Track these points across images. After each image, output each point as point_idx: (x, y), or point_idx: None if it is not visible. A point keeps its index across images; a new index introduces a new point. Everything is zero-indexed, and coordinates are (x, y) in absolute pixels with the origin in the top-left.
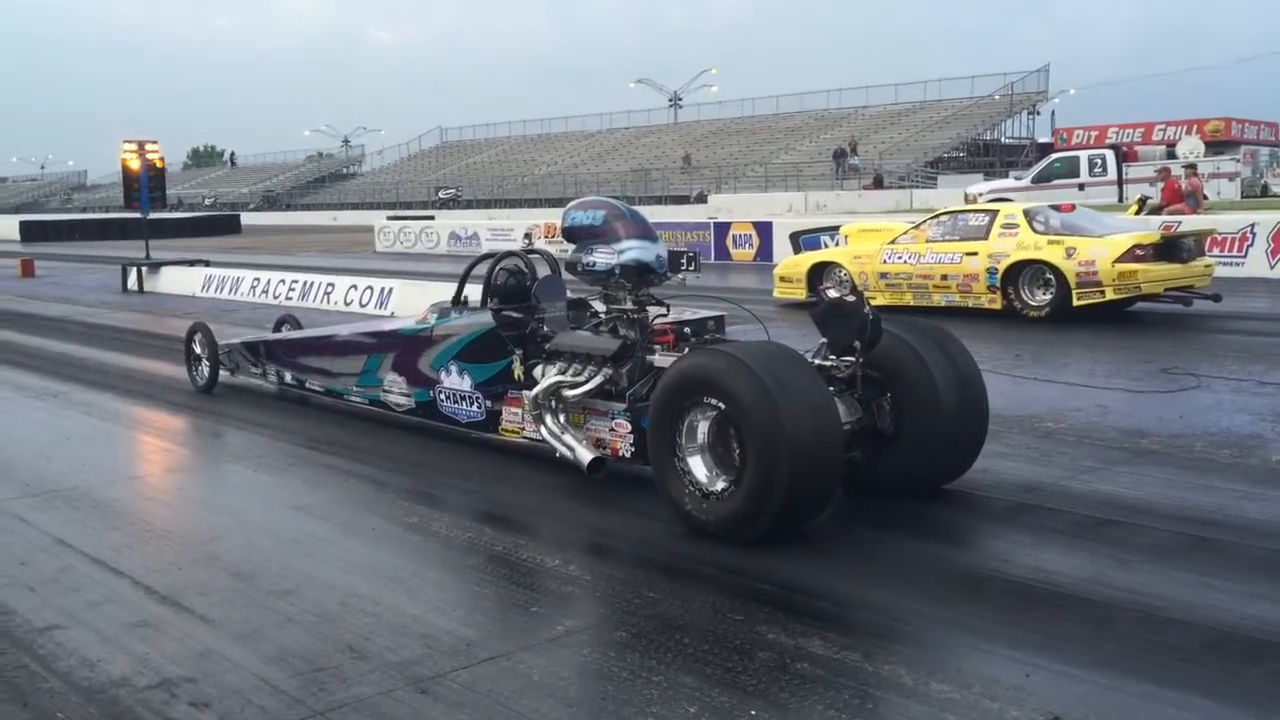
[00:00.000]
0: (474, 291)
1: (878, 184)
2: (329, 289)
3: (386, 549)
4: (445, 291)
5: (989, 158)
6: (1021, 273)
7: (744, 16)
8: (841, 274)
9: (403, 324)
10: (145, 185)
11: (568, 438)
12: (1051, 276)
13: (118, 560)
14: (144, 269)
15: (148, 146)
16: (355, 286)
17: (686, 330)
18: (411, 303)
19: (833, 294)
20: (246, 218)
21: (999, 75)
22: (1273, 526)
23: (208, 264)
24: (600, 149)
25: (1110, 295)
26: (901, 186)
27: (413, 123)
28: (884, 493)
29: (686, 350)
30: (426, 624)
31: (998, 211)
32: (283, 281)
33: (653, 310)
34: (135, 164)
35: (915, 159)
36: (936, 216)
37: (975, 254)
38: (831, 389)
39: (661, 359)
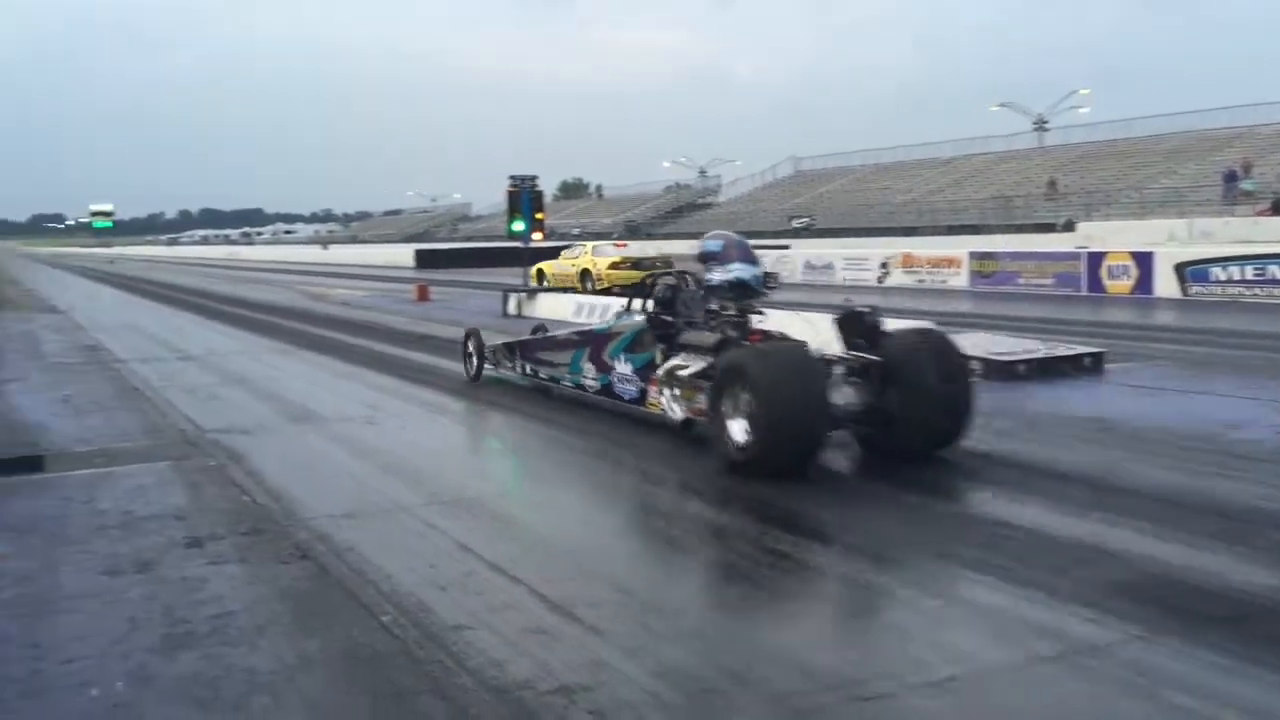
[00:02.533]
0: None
1: (1276, 209)
2: None
3: (756, 577)
4: (798, 320)
5: None
6: None
7: (1113, 34)
8: None
9: (595, 326)
10: (527, 215)
11: (675, 406)
12: None
13: (514, 568)
14: (524, 295)
15: (528, 181)
16: None
17: (773, 331)
18: (765, 328)
19: (844, 302)
20: None
21: None
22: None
23: (578, 291)
24: (957, 175)
25: None
26: None
27: (767, 153)
28: (893, 457)
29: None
30: (802, 654)
31: None
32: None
33: (754, 318)
34: (517, 197)
35: None
36: None
37: None
38: (851, 379)
39: None
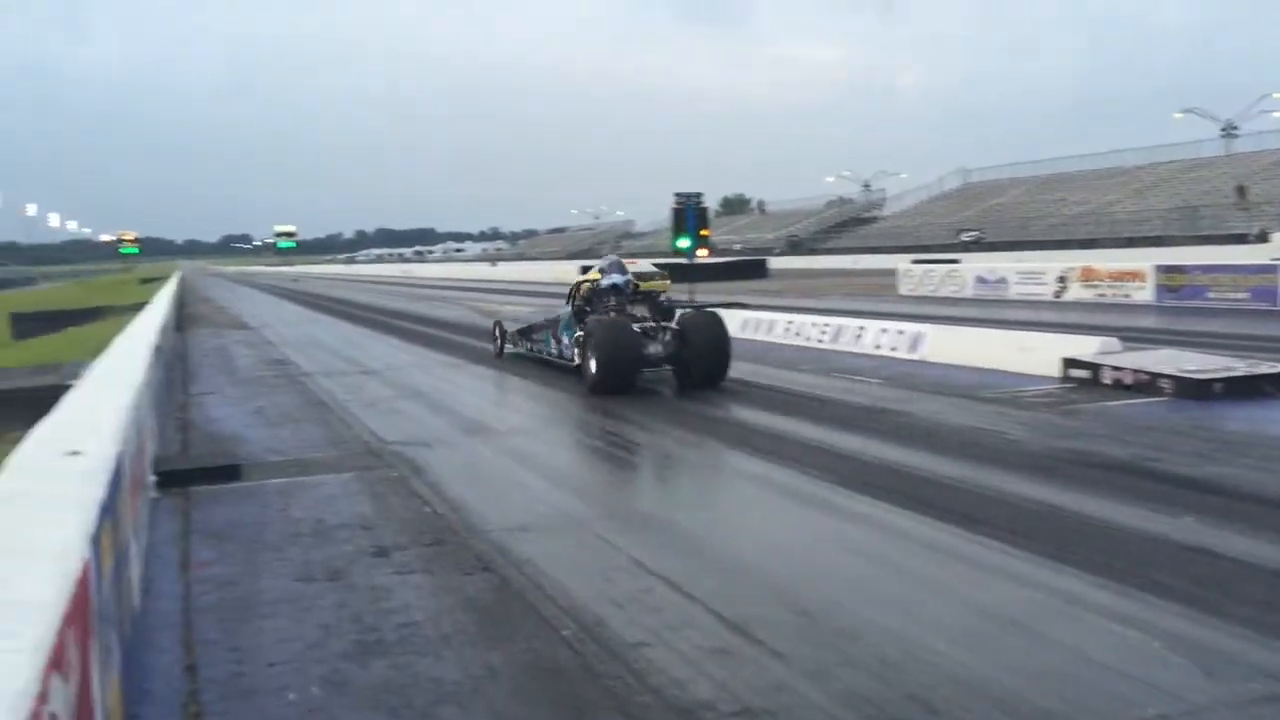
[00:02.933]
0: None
1: None
2: (859, 332)
3: (948, 599)
4: (977, 336)
5: None
6: None
7: None
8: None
9: (557, 313)
10: (692, 231)
11: (577, 357)
12: None
13: (690, 585)
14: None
15: (693, 198)
16: (885, 330)
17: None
18: (944, 348)
19: (634, 288)
20: (772, 262)
21: None
22: None
23: (745, 307)
24: (1139, 185)
25: None
26: None
27: (933, 165)
28: (686, 386)
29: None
30: (997, 685)
31: None
32: (814, 324)
33: (638, 310)
34: (682, 214)
35: None
36: None
37: None
38: (646, 335)
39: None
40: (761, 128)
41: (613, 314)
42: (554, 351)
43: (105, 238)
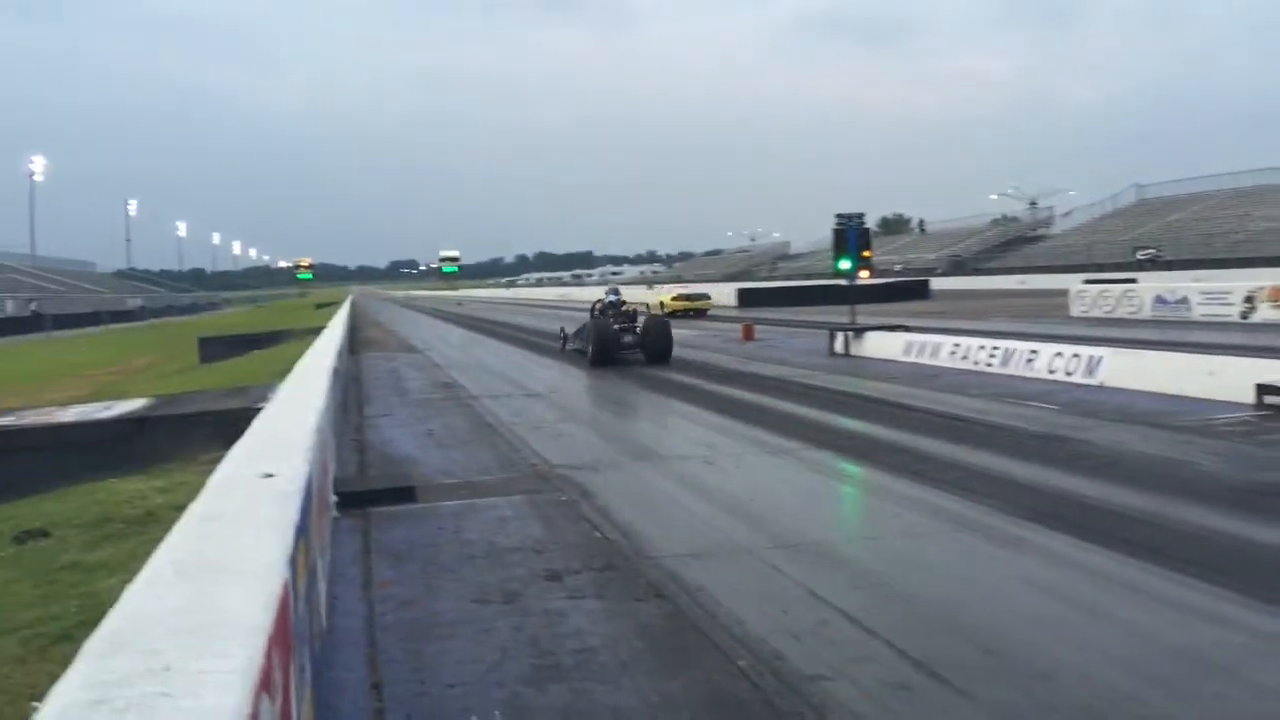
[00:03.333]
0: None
1: None
2: (1031, 356)
3: (1149, 642)
4: (1160, 360)
5: None
6: None
7: None
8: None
9: (585, 322)
10: (854, 252)
11: (589, 348)
12: None
13: (868, 618)
14: (850, 334)
15: (855, 219)
16: (1060, 354)
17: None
18: (1124, 372)
19: (626, 306)
20: (934, 282)
21: None
22: None
23: (907, 329)
24: None
25: None
26: None
27: (1105, 182)
28: (646, 362)
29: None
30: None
31: None
32: (981, 347)
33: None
34: (843, 235)
35: None
36: None
37: None
38: (623, 331)
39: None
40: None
41: (607, 319)
42: (585, 348)
43: (282, 264)
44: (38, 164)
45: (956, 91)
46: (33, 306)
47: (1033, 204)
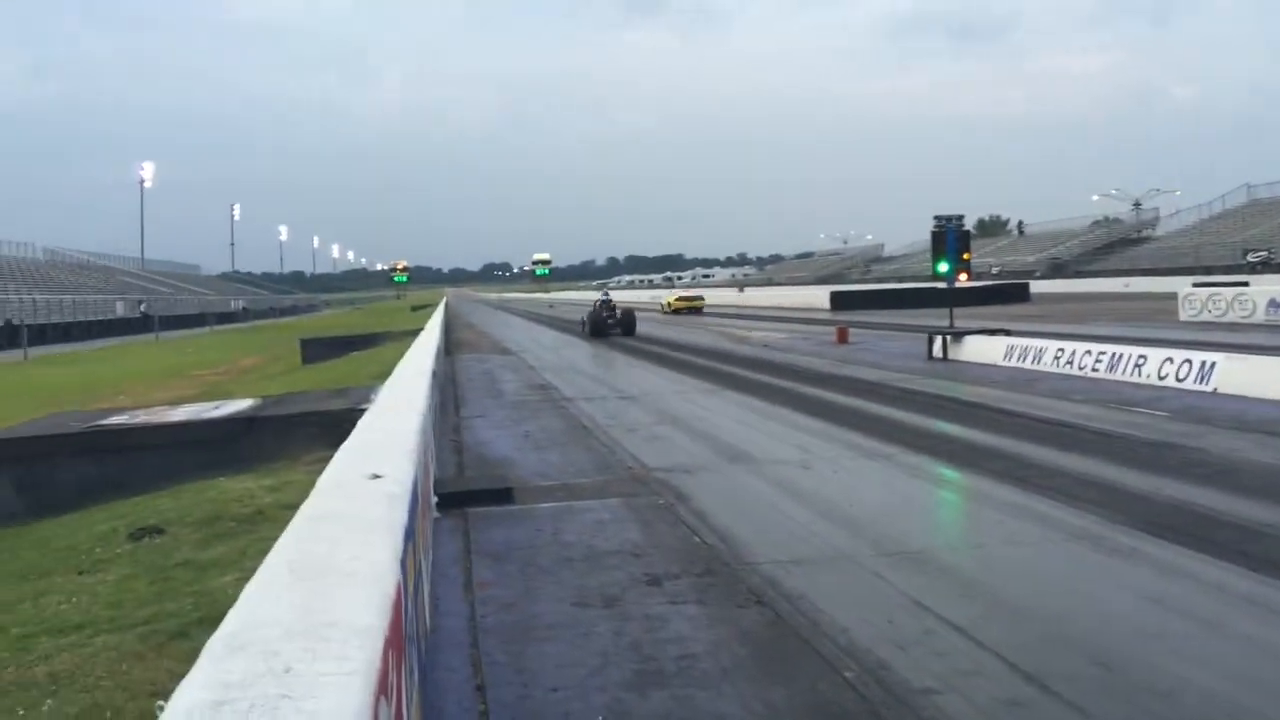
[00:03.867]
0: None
1: None
2: (1140, 361)
3: (1273, 658)
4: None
5: None
6: None
7: None
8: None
9: (590, 311)
10: (952, 255)
11: (589, 329)
12: None
13: (977, 630)
14: (949, 337)
15: (954, 221)
16: (1171, 360)
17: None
18: (1240, 378)
19: (612, 303)
20: (1034, 285)
21: None
22: None
23: (1008, 333)
24: None
25: None
26: None
27: (1213, 181)
28: (625, 337)
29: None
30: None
31: None
32: (1088, 352)
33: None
34: (941, 237)
35: None
36: None
37: None
38: (608, 317)
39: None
40: (1020, 146)
41: (599, 310)
42: (589, 329)
43: (380, 266)
44: (147, 170)
45: (1057, 89)
46: (142, 308)
47: (1137, 205)
